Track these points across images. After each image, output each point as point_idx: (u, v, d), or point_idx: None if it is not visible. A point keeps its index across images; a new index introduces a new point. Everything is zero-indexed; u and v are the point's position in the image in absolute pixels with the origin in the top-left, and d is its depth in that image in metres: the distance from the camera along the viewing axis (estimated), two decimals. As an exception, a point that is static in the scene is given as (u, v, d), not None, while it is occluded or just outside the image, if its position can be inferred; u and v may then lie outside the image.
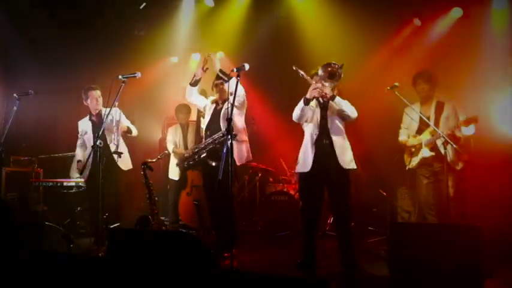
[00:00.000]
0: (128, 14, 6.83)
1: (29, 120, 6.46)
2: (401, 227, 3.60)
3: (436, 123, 4.47)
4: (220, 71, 4.55)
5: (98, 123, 5.06)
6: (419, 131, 4.66)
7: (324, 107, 4.01)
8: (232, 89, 3.86)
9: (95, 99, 5.07)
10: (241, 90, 4.45)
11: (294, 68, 4.00)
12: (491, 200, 4.89)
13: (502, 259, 4.00)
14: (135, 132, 5.26)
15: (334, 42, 6.80)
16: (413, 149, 4.68)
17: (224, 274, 1.95)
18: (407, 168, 4.77)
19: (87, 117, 5.21)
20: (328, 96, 3.87)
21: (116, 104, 4.44)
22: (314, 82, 3.89)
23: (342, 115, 3.95)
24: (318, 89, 3.86)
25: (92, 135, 5.05)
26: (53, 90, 6.51)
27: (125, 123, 5.20)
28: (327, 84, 3.85)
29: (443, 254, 3.13)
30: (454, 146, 4.15)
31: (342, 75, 3.84)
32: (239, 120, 4.60)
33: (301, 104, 3.96)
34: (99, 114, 5.15)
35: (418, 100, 4.72)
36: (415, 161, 4.66)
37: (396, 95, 4.23)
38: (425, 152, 4.56)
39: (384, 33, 6.40)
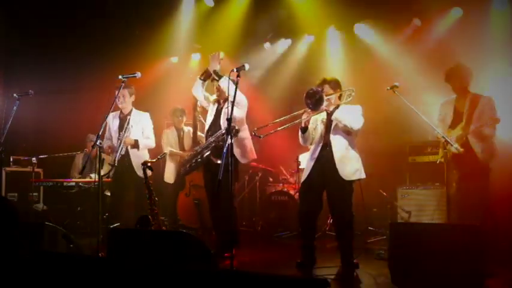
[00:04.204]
0: (127, 14, 6.82)
1: (29, 120, 6.47)
2: (401, 227, 3.60)
3: (469, 118, 4.44)
4: (214, 71, 4.57)
5: (124, 122, 5.04)
6: (453, 125, 4.63)
7: (327, 121, 4.08)
8: (232, 90, 3.86)
9: (122, 96, 5.02)
10: (240, 97, 4.45)
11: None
12: (491, 200, 4.88)
13: (502, 259, 4.00)
14: (143, 147, 5.10)
15: (334, 42, 6.81)
16: (445, 143, 4.63)
17: (224, 274, 1.94)
18: (438, 162, 4.73)
19: (118, 112, 5.15)
20: (329, 111, 3.99)
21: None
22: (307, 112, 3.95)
23: (343, 128, 3.96)
24: (307, 117, 3.99)
25: (117, 132, 5.03)
26: (53, 90, 6.51)
27: (146, 131, 5.16)
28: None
29: (443, 254, 3.13)
30: (459, 146, 4.17)
31: (325, 95, 3.86)
32: (240, 118, 4.59)
33: (300, 133, 4.10)
34: (126, 113, 5.12)
35: (453, 94, 4.70)
36: (446, 155, 4.62)
37: (396, 94, 4.22)
38: (456, 148, 4.49)
39: (384, 33, 6.40)
